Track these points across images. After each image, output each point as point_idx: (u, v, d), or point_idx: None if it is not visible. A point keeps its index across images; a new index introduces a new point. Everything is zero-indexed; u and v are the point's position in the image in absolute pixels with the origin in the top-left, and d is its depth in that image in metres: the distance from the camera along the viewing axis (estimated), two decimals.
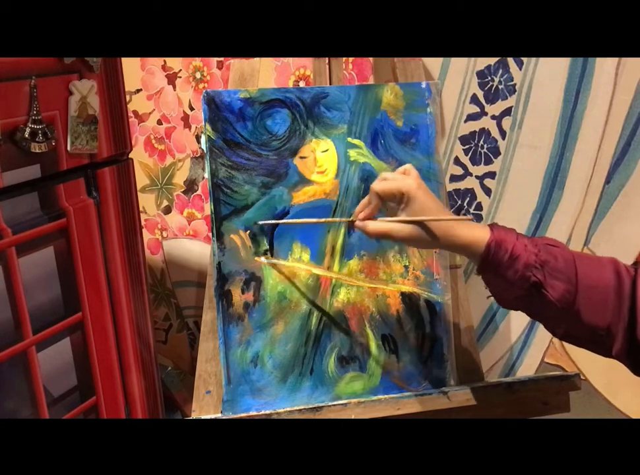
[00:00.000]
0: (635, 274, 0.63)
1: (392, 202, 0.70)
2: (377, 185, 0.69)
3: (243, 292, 0.84)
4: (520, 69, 0.94)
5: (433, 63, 1.00)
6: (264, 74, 1.12)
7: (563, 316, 0.64)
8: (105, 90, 0.78)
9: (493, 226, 0.67)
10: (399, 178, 0.69)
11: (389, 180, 0.69)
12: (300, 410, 0.81)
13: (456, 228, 0.67)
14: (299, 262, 0.85)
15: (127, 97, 1.18)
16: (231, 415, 0.82)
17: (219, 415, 0.82)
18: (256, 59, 0.90)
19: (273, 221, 0.84)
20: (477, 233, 0.66)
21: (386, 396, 0.85)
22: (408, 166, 0.71)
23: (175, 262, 1.39)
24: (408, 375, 0.87)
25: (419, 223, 0.67)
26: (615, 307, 0.62)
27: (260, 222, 0.83)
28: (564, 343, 1.02)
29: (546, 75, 0.93)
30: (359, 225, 0.71)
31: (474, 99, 1.00)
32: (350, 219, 0.74)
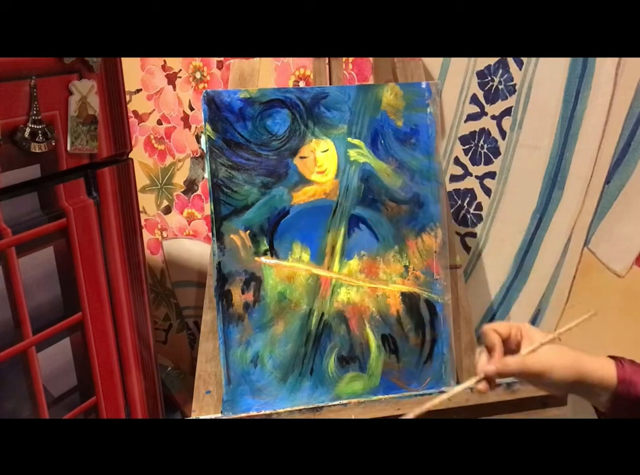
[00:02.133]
0: None
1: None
2: (488, 327, 0.62)
3: (243, 292, 0.84)
4: (520, 69, 0.94)
5: (433, 63, 1.00)
6: (264, 74, 1.12)
7: None
8: (105, 90, 0.78)
9: (614, 358, 0.62)
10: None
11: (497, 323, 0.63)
12: (300, 410, 0.81)
13: (585, 361, 0.61)
14: (299, 262, 0.85)
15: (127, 97, 1.18)
16: (231, 415, 0.82)
17: (219, 415, 0.82)
18: (256, 59, 0.90)
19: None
20: (604, 366, 0.61)
21: (386, 396, 0.85)
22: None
23: (175, 262, 1.39)
24: (408, 375, 0.87)
25: (551, 358, 0.61)
26: None
27: None
28: (564, 343, 1.01)
29: (546, 75, 0.92)
30: (493, 371, 0.59)
31: (474, 99, 1.00)
32: (479, 378, 0.59)
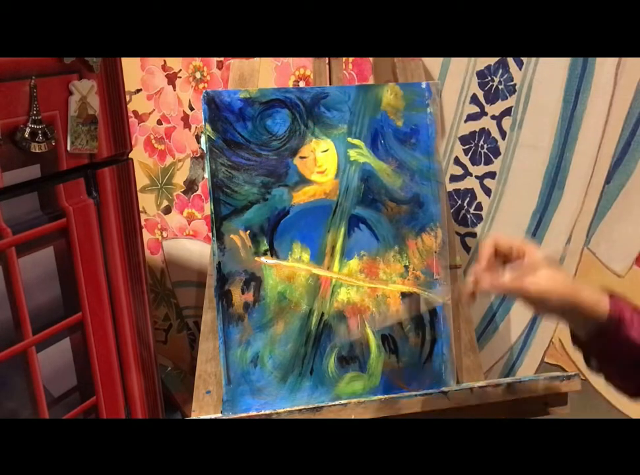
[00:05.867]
0: None
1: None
2: (489, 239, 0.65)
3: (243, 292, 0.84)
4: (520, 69, 0.94)
5: (433, 63, 1.00)
6: (264, 74, 1.12)
7: None
8: (105, 90, 0.78)
9: (610, 294, 0.63)
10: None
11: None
12: (300, 410, 0.81)
13: (581, 291, 0.62)
14: (299, 262, 0.85)
15: (127, 97, 1.18)
16: (231, 415, 0.82)
17: (219, 415, 0.82)
18: (256, 59, 0.90)
19: None
20: (597, 295, 0.62)
21: (386, 396, 0.85)
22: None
23: (175, 262, 1.39)
24: (408, 375, 0.87)
25: (550, 284, 0.62)
26: None
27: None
28: (564, 343, 1.01)
29: (546, 75, 0.92)
30: (489, 286, 0.63)
31: (474, 99, 1.00)
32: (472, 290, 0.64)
